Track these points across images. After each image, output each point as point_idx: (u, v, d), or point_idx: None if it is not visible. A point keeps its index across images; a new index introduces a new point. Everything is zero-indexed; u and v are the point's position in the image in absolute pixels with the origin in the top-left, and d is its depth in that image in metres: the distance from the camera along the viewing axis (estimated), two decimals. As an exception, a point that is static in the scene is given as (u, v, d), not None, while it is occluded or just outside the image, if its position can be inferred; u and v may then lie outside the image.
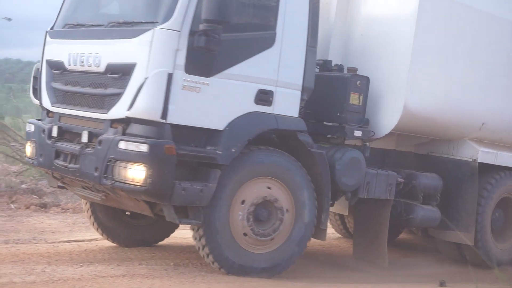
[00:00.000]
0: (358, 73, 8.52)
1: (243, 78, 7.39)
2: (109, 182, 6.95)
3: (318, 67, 8.65)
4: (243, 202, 7.43)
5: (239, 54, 7.36)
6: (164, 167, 6.85)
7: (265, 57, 7.50)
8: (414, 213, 9.19)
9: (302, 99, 7.87)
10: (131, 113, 6.95)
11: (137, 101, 6.89)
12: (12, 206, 8.93)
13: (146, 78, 6.84)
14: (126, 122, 7.05)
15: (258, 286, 7.36)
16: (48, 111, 8.21)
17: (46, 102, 8.16)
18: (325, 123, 8.58)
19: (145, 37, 6.93)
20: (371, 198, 8.74)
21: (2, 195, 12.49)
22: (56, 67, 8.03)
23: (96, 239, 9.48)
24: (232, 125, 7.27)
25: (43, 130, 7.96)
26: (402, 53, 8.71)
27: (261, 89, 7.49)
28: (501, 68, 9.76)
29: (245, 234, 7.48)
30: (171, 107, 6.90)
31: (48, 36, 8.36)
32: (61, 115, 7.96)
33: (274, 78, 7.57)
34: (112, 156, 6.92)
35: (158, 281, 7.12)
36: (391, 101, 8.74)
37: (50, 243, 9.39)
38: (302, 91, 7.83)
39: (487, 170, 10.03)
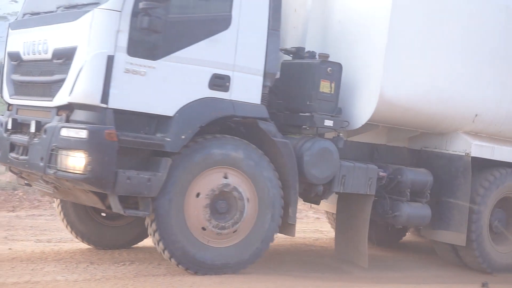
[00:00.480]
0: (334, 60, 8.09)
1: (195, 62, 7.11)
2: (52, 172, 6.73)
3: (291, 55, 8.42)
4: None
5: (190, 36, 7.07)
6: (104, 153, 6.62)
7: (220, 39, 7.21)
8: (400, 211, 8.73)
9: (265, 86, 7.56)
10: (72, 98, 6.71)
11: (76, 86, 6.66)
12: (55, 205, 8.98)
13: (85, 61, 6.62)
14: (70, 109, 6.82)
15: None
16: (8, 104, 8.06)
17: (6, 94, 8.03)
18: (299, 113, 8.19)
19: (85, 19, 6.70)
20: (352, 193, 8.42)
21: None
22: (14, 58, 7.89)
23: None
24: (183, 111, 7.00)
25: (1, 124, 7.81)
26: (378, 39, 8.24)
27: (216, 74, 7.19)
28: (495, 56, 9.16)
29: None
30: (112, 91, 6.65)
31: (9, 28, 8.23)
32: (18, 107, 7.81)
33: (231, 62, 7.27)
34: (54, 144, 6.70)
35: (199, 280, 7.06)
36: (367, 90, 8.31)
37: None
38: (264, 77, 7.52)
39: (487, 166, 9.48)
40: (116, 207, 6.95)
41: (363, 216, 8.64)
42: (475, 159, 9.17)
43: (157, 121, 6.95)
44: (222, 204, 7.27)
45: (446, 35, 8.69)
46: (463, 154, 9.13)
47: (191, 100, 7.05)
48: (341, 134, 8.25)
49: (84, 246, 8.84)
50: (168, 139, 6.87)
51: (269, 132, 7.49)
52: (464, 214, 8.95)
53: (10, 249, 8.65)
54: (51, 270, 7.38)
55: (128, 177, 6.71)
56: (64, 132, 6.66)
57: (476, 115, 9.13)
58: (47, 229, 10.49)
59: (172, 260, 7.17)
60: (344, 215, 9.08)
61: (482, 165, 9.37)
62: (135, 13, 6.64)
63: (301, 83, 8.07)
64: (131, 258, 8.19)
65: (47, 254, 8.25)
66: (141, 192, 6.85)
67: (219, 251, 7.34)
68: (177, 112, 6.95)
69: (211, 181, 7.20)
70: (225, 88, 7.24)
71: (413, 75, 8.51)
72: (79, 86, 6.63)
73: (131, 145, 6.79)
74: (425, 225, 9.28)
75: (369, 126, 8.59)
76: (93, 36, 6.64)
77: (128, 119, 6.83)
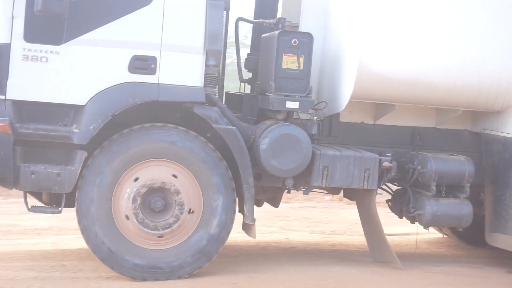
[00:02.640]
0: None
1: (109, 44, 6.63)
2: None
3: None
4: (127, 193, 6.71)
5: (101, 16, 6.59)
6: None
7: (139, 17, 6.62)
8: (424, 208, 7.48)
9: (208, 65, 6.85)
10: None
11: None
12: (326, 198, 10.40)
13: None
14: None
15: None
16: None
17: None
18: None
19: None
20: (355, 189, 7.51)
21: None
22: None
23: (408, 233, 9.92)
24: (95, 99, 6.57)
25: None
26: None
27: (137, 55, 6.63)
28: None
29: (144, 233, 6.69)
30: (9, 81, 6.45)
31: None
32: None
33: (157, 41, 6.67)
34: None
35: None
36: (347, 63, 7.28)
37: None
38: (206, 55, 6.81)
39: None
40: (25, 203, 6.82)
41: (371, 214, 7.69)
42: None
43: (74, 112, 6.62)
44: (155, 201, 6.70)
45: None
46: None
47: (107, 87, 6.57)
48: (315, 118, 7.35)
49: (354, 239, 9.54)
50: (76, 130, 6.51)
51: (208, 118, 6.80)
52: None
53: (286, 238, 9.53)
54: (325, 261, 7.96)
55: (33, 172, 6.51)
56: None
57: None
58: (320, 221, 11.05)
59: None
60: (362, 214, 8.05)
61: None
62: None
63: (267, 59, 7.29)
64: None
65: (321, 245, 9.03)
66: (51, 187, 6.61)
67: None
68: (89, 101, 6.55)
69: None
70: (151, 71, 6.65)
71: (410, 41, 7.21)
72: None
73: (34, 138, 6.50)
74: (465, 226, 7.83)
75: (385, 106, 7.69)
76: None
77: (38, 111, 6.58)
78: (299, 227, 10.56)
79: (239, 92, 8.40)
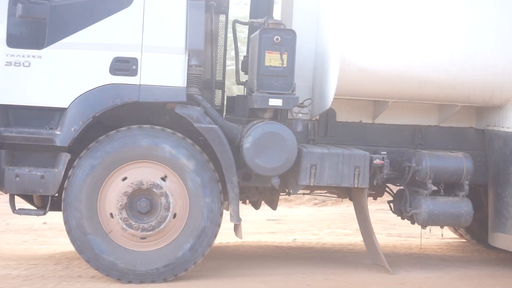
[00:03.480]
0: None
1: (90, 47, 6.67)
2: None
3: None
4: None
5: (81, 20, 6.66)
6: None
7: (119, 19, 6.67)
8: (420, 207, 7.29)
9: (191, 65, 6.82)
10: None
11: None
12: None
13: None
14: None
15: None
16: None
17: None
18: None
19: None
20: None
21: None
22: None
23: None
24: (77, 101, 6.63)
25: None
26: None
27: (118, 57, 6.67)
28: None
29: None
30: None
31: None
32: None
33: (137, 42, 6.69)
34: None
35: None
36: (333, 60, 7.12)
37: (442, 239, 9.89)
38: (188, 55, 6.79)
39: None
40: (10, 206, 6.85)
41: (363, 213, 7.56)
42: None
43: (59, 115, 6.67)
44: (142, 203, 6.67)
45: None
46: None
47: (90, 89, 6.62)
48: (300, 115, 7.22)
49: (432, 241, 9.60)
50: (58, 133, 6.59)
51: (189, 118, 6.76)
52: None
53: (362, 241, 9.42)
54: (403, 264, 7.91)
55: (17, 175, 6.57)
56: None
57: None
58: (396, 224, 10.88)
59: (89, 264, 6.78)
60: (357, 214, 7.89)
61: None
62: (11, 1, 6.50)
63: (252, 58, 7.26)
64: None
65: (398, 248, 9.12)
66: (36, 190, 6.68)
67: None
68: (72, 103, 6.61)
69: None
70: (132, 72, 6.66)
71: (397, 35, 7.06)
72: None
73: (17, 141, 6.58)
74: (465, 225, 7.73)
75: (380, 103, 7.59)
76: None
77: (24, 115, 6.68)
78: (376, 229, 10.16)
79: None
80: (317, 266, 7.66)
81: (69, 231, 6.65)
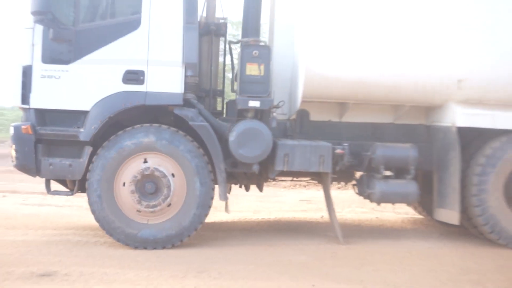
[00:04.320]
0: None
1: (106, 62, 6.91)
2: (12, 163, 7.18)
3: None
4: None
5: (99, 40, 6.92)
6: (24, 144, 6.84)
7: (130, 39, 6.93)
8: (374, 187, 7.47)
9: (187, 75, 7.07)
10: (10, 102, 7.22)
11: (9, 92, 7.06)
12: None
13: (11, 72, 6.99)
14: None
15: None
16: None
17: None
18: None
19: (13, 38, 7.08)
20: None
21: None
22: None
23: None
24: (97, 105, 6.91)
25: None
26: (303, 14, 7.39)
27: (129, 70, 6.91)
28: (466, 16, 7.27)
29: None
30: (32, 94, 6.84)
31: None
32: None
33: (144, 58, 6.92)
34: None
35: None
36: (301, 67, 7.32)
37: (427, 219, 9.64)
38: (185, 67, 7.02)
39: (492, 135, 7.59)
40: (46, 188, 7.16)
41: (326, 194, 7.74)
42: (473, 130, 7.50)
43: (85, 116, 6.88)
44: (149, 186, 6.93)
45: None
46: (451, 124, 7.41)
47: (106, 95, 6.86)
48: (274, 114, 7.33)
49: (416, 218, 9.65)
50: (81, 130, 6.85)
51: (185, 117, 6.97)
52: (455, 190, 7.32)
53: (377, 218, 9.88)
54: (408, 237, 8.17)
55: (51, 164, 6.86)
56: (11, 130, 7.07)
57: (459, 81, 7.22)
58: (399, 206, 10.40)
59: (112, 238, 7.06)
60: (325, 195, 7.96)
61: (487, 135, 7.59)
62: (45, 28, 6.82)
63: (238, 68, 7.44)
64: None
65: (405, 223, 9.34)
66: (66, 175, 6.94)
67: (159, 226, 7.01)
68: (92, 107, 6.84)
69: (132, 168, 6.91)
70: (140, 82, 6.88)
71: (353, 45, 7.21)
72: (8, 92, 7.05)
73: (51, 137, 6.90)
74: (412, 203, 8.15)
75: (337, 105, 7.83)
76: (14, 51, 6.99)
77: (58, 116, 6.96)
78: (390, 208, 10.08)
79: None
80: (351, 238, 7.73)
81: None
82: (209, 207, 7.05)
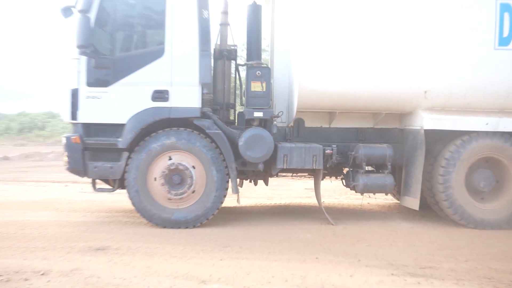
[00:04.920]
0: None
1: (138, 84, 6.82)
2: (65, 167, 7.18)
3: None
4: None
5: (132, 66, 6.84)
6: (74, 152, 6.86)
7: (157, 65, 6.83)
8: (357, 181, 7.33)
9: (204, 93, 7.01)
10: (63, 118, 7.11)
11: (61, 110, 7.04)
12: None
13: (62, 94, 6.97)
14: None
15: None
16: None
17: None
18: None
19: (61, 66, 7.08)
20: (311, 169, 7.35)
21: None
22: None
23: None
24: (131, 119, 6.86)
25: None
26: (297, 40, 7.20)
27: (156, 90, 6.83)
28: (432, 39, 7.06)
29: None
30: (79, 112, 6.84)
31: None
32: None
33: (168, 80, 6.84)
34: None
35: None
36: (296, 83, 7.17)
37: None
38: (201, 87, 6.97)
39: (454, 135, 7.38)
40: (92, 187, 7.15)
41: (317, 186, 7.62)
42: (438, 132, 7.31)
43: (122, 128, 6.85)
44: (175, 178, 6.93)
45: (374, 25, 7.03)
46: (419, 128, 7.25)
47: (139, 111, 6.82)
48: (274, 122, 7.24)
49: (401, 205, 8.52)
50: (119, 139, 6.83)
51: (203, 126, 6.95)
52: (418, 181, 7.21)
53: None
54: (393, 218, 8.02)
55: (95, 166, 6.88)
56: (63, 140, 7.06)
57: (426, 92, 7.09)
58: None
59: (146, 220, 7.05)
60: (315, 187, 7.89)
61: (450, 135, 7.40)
62: (88, 58, 6.79)
63: (246, 86, 7.35)
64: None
65: (392, 208, 9.04)
66: (108, 175, 6.94)
67: (187, 209, 7.00)
68: (128, 120, 6.82)
69: (160, 165, 6.90)
70: (166, 99, 6.82)
71: (339, 64, 7.05)
72: (61, 110, 7.04)
73: (95, 146, 6.87)
74: (389, 192, 7.74)
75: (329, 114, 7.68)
76: (64, 77, 6.96)
77: (100, 129, 6.91)
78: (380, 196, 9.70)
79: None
80: (339, 219, 7.67)
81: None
82: (226, 189, 7.01)
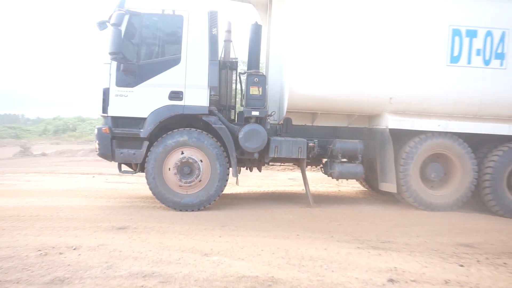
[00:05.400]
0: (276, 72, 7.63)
1: (158, 86, 6.85)
2: (96, 153, 7.21)
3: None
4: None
5: (154, 71, 6.86)
6: (104, 140, 6.90)
7: (174, 71, 6.88)
8: (333, 169, 7.42)
9: (211, 94, 7.08)
10: (98, 112, 7.15)
11: (95, 106, 7.08)
12: None
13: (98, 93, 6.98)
14: None
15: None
16: None
17: None
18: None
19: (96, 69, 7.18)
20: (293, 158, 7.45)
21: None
22: None
23: None
24: (152, 113, 6.90)
25: None
26: (287, 53, 7.30)
27: (173, 91, 6.88)
28: (396, 55, 7.23)
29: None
30: (109, 107, 6.86)
31: None
32: None
33: (183, 83, 6.90)
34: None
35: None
36: (286, 89, 7.29)
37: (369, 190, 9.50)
38: (209, 89, 7.05)
39: (413, 134, 7.52)
40: (118, 169, 7.17)
41: (303, 173, 7.73)
42: (400, 131, 7.41)
43: (144, 121, 6.88)
44: (186, 169, 6.97)
45: (350, 42, 7.12)
46: (385, 127, 7.38)
47: (157, 107, 6.87)
48: (268, 120, 7.36)
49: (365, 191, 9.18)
50: (142, 130, 6.86)
51: (209, 122, 7.04)
52: (392, 169, 7.31)
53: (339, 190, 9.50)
54: (359, 202, 8.06)
55: (121, 152, 6.91)
56: (95, 130, 7.10)
57: (391, 98, 7.27)
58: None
59: (160, 203, 7.07)
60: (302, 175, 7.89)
61: (409, 134, 7.52)
62: (118, 64, 6.85)
63: (244, 90, 7.46)
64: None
65: (358, 194, 8.92)
66: (131, 160, 6.94)
67: (194, 195, 7.01)
68: (149, 115, 6.87)
69: (174, 158, 6.95)
70: (180, 99, 6.89)
71: (321, 73, 7.11)
72: (96, 106, 7.03)
73: (121, 135, 6.88)
74: (359, 179, 7.91)
75: (310, 114, 7.68)
76: (99, 79, 7.01)
77: (126, 121, 6.90)
78: (347, 183, 10.28)
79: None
80: (316, 203, 7.65)
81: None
82: (226, 180, 7.07)
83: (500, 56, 7.20)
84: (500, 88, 7.23)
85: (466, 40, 7.15)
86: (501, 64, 7.23)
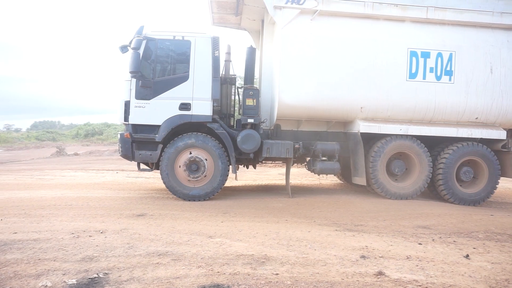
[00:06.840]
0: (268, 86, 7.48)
1: (170, 98, 6.80)
2: (119, 154, 7.13)
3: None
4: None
5: (167, 87, 6.81)
6: (125, 143, 6.84)
7: (183, 86, 6.83)
8: (315, 166, 7.36)
9: (213, 105, 7.02)
10: (119, 120, 7.07)
11: (118, 115, 6.99)
12: None
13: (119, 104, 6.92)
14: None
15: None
16: None
17: None
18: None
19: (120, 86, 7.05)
20: (280, 157, 7.41)
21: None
22: None
23: None
24: (165, 122, 6.83)
25: None
26: (276, 71, 7.19)
27: (182, 103, 6.83)
28: (368, 70, 7.22)
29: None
30: (130, 116, 6.79)
31: None
32: None
33: (190, 96, 6.85)
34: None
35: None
36: (276, 100, 7.22)
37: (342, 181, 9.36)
38: (212, 101, 7.00)
39: (380, 137, 7.47)
40: (138, 167, 7.09)
41: (288, 170, 7.68)
42: (369, 134, 7.37)
43: (158, 128, 6.80)
44: (193, 166, 6.90)
45: (327, 61, 7.08)
46: (357, 131, 7.34)
47: (170, 116, 6.80)
48: (261, 126, 7.33)
49: (344, 184, 8.99)
50: (157, 135, 6.79)
51: (213, 128, 6.99)
52: (362, 166, 7.26)
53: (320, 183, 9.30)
54: (338, 192, 7.87)
55: (140, 154, 6.84)
56: (118, 135, 7.01)
57: (361, 108, 7.28)
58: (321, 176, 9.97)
59: (172, 194, 7.00)
60: (286, 171, 7.85)
61: (377, 137, 7.48)
62: (137, 81, 6.80)
63: (241, 102, 7.39)
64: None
65: (337, 186, 8.71)
66: (148, 160, 6.87)
67: (200, 188, 6.93)
68: (163, 123, 6.79)
69: (183, 157, 6.88)
70: (188, 109, 6.83)
71: (304, 87, 7.00)
72: (119, 115, 6.94)
73: (140, 139, 6.82)
74: (337, 174, 7.80)
75: (295, 121, 7.56)
76: (120, 93, 6.95)
77: (144, 128, 6.81)
78: (331, 178, 10.06)
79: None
80: (301, 194, 7.53)
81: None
82: (227, 175, 7.00)
83: (449, 73, 7.26)
84: (449, 99, 7.28)
85: (421, 60, 7.18)
86: (450, 79, 7.28)
